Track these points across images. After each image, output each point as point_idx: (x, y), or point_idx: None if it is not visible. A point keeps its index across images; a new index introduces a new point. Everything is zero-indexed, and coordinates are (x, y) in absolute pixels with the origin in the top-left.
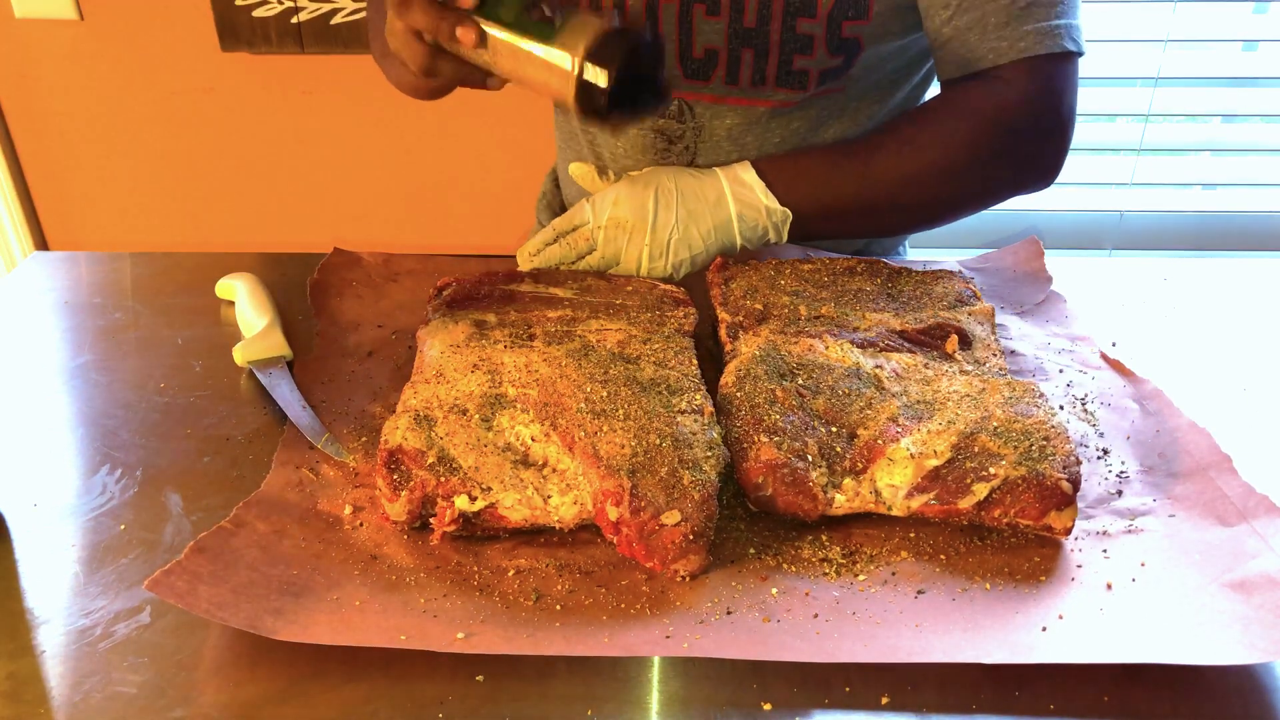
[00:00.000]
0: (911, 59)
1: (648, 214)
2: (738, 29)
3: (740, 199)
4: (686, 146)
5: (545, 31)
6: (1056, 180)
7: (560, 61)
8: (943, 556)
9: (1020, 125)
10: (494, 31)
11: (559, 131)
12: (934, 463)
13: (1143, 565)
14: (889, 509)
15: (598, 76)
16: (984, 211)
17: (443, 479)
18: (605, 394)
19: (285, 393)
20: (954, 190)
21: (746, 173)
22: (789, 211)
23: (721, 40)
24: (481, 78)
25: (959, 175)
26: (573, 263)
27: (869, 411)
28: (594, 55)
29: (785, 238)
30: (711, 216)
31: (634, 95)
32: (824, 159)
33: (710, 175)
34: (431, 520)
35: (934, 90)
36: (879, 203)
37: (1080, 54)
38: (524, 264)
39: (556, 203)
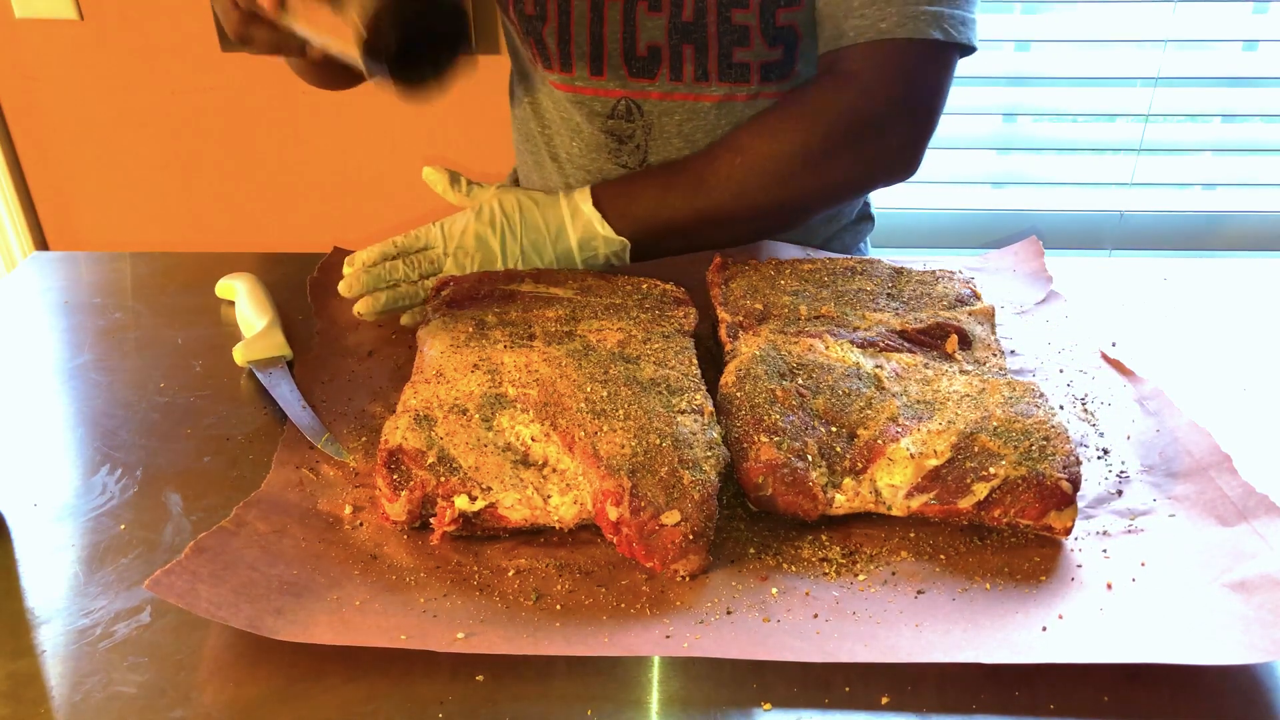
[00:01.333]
0: None
1: (495, 248)
2: (677, 24)
3: (579, 229)
4: (638, 145)
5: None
6: (918, 172)
7: (344, 21)
8: (943, 556)
9: (866, 116)
10: (299, 4)
11: (516, 132)
12: (934, 462)
13: (1143, 565)
14: (889, 509)
15: (381, 36)
16: (984, 211)
17: (443, 479)
18: (605, 394)
19: (285, 393)
20: (791, 194)
21: (585, 203)
22: (626, 241)
23: (663, 36)
24: (299, 46)
25: (793, 179)
26: (414, 281)
27: (869, 411)
28: (377, 14)
29: (627, 260)
30: (553, 247)
31: (433, 57)
32: (658, 182)
33: (553, 205)
34: (431, 520)
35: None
36: (717, 216)
37: (957, 44)
38: (350, 275)
39: None
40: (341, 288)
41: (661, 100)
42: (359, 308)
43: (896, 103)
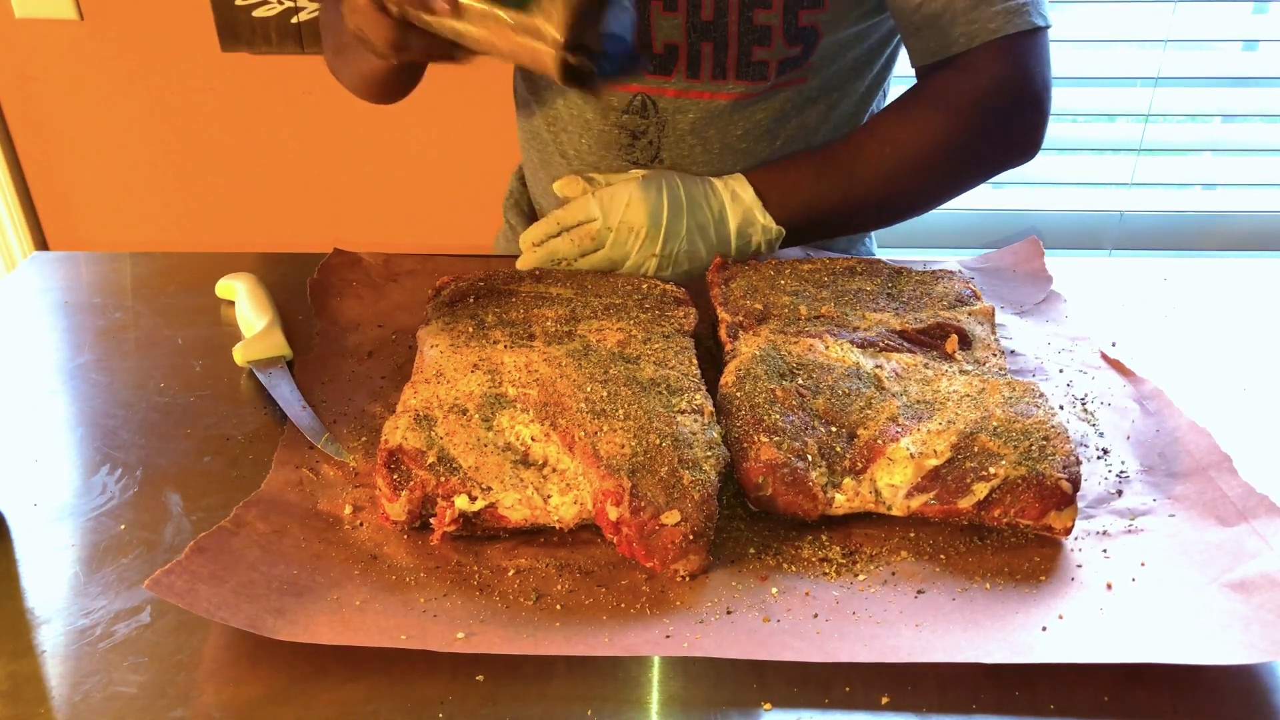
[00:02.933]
0: (872, 46)
1: (661, 222)
2: (695, 23)
3: (739, 214)
4: (650, 141)
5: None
6: (1038, 150)
7: (541, 28)
8: (943, 556)
9: (997, 107)
10: (468, 2)
11: (522, 130)
12: (934, 462)
13: (1143, 565)
14: (889, 509)
15: (582, 41)
16: (984, 211)
17: (443, 479)
18: (605, 394)
19: (285, 393)
20: (937, 181)
21: (744, 190)
22: (782, 230)
23: (680, 35)
24: (450, 51)
25: (940, 167)
26: (574, 259)
27: (869, 411)
28: (576, 20)
29: (775, 250)
30: (715, 231)
31: (618, 50)
32: (810, 170)
33: (712, 188)
34: (431, 520)
35: (898, 76)
36: (865, 204)
37: (1048, 27)
38: (526, 252)
39: (524, 202)
40: (520, 265)
41: (677, 97)
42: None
43: (1021, 91)
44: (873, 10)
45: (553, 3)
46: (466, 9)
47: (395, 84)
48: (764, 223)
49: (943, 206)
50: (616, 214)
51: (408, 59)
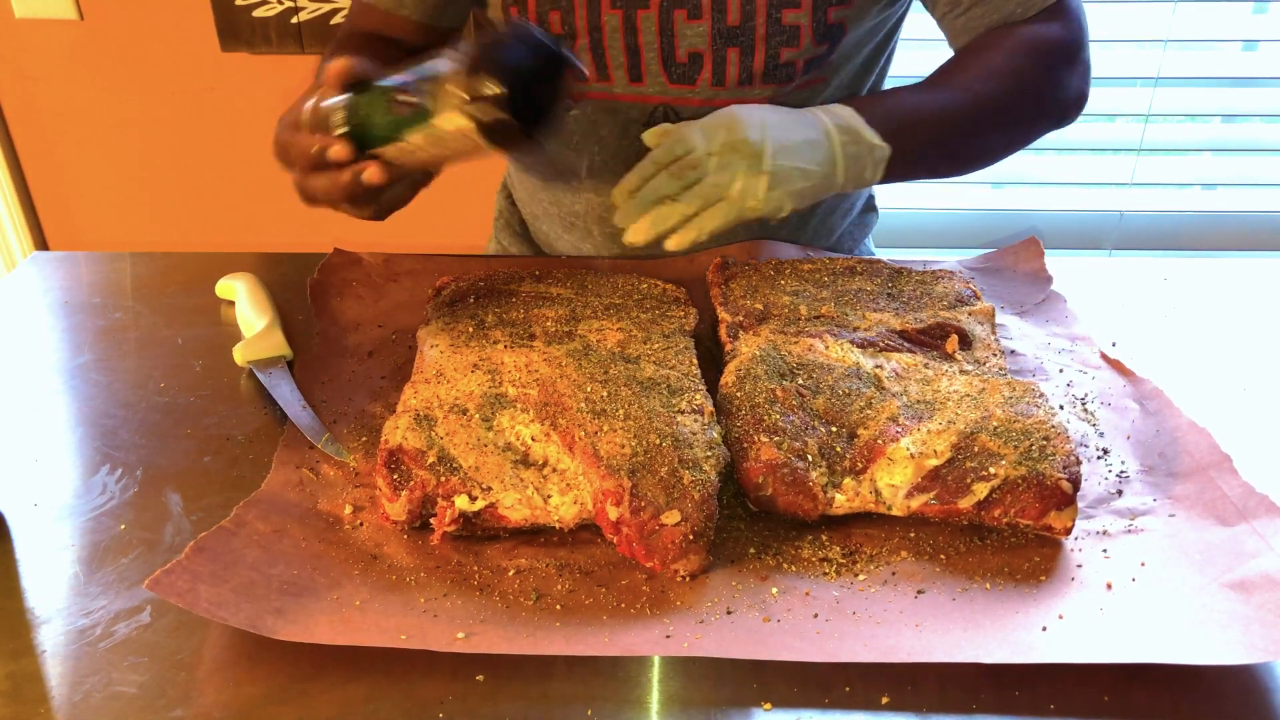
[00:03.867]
0: (879, 41)
1: (766, 139)
2: (721, 29)
3: (845, 134)
4: None
5: (422, 112)
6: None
7: (453, 126)
8: (943, 556)
9: (1060, 54)
10: (387, 149)
11: None
12: (934, 462)
13: (1143, 565)
14: (889, 509)
15: (492, 114)
16: (984, 211)
17: (443, 479)
18: (605, 394)
19: (285, 393)
20: (1025, 96)
21: (844, 111)
22: (888, 147)
23: (705, 43)
24: (426, 176)
25: (1030, 79)
26: (677, 195)
27: (869, 411)
28: (476, 99)
29: (880, 177)
30: (821, 150)
31: (543, 98)
32: (907, 90)
33: (809, 112)
34: (431, 520)
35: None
36: (964, 121)
37: None
38: (621, 204)
39: (516, 220)
40: (618, 220)
41: (702, 106)
42: (630, 238)
43: (1079, 48)
44: (891, 0)
45: (448, 94)
46: (395, 159)
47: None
48: (870, 140)
49: (933, 207)
50: (718, 137)
51: (394, 209)
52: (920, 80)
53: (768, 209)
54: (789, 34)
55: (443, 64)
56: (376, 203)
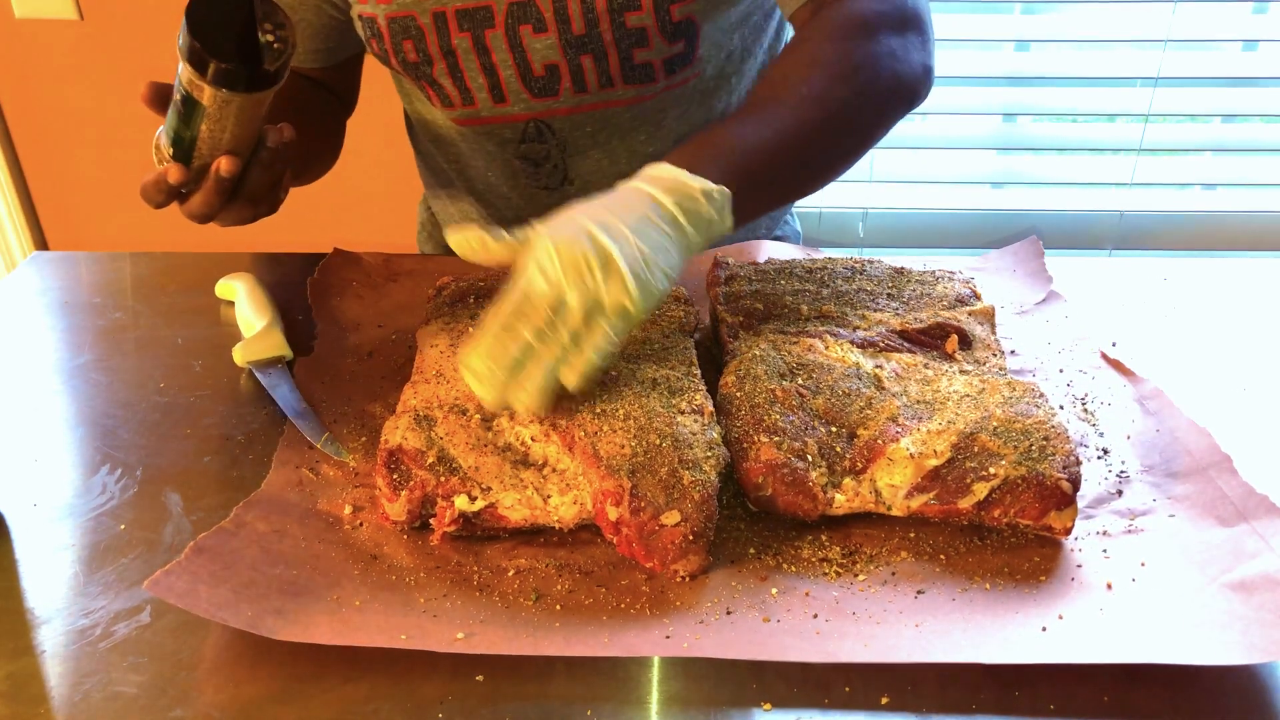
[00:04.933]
0: (755, 23)
1: (605, 242)
2: (569, 39)
3: (676, 195)
4: (555, 165)
5: (187, 99)
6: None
7: (200, 84)
8: (943, 556)
9: (881, 25)
10: (202, 147)
11: (425, 171)
12: (934, 462)
13: (1143, 565)
14: (889, 509)
15: (211, 57)
16: (984, 211)
17: (443, 479)
18: (605, 394)
19: (285, 393)
20: (852, 91)
21: (663, 170)
22: (726, 189)
23: (558, 54)
24: (273, 156)
25: (853, 76)
26: (541, 350)
27: (869, 411)
28: (194, 51)
29: (730, 223)
30: (658, 224)
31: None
32: (727, 124)
33: (621, 190)
34: (431, 520)
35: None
36: (799, 136)
37: None
38: (482, 389)
39: (438, 233)
40: (490, 406)
41: (570, 115)
42: (520, 405)
43: (903, 12)
44: None
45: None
46: (204, 141)
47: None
48: (701, 187)
49: (933, 207)
50: (553, 267)
51: (241, 218)
52: (742, 103)
53: (643, 310)
54: (636, 36)
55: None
56: (244, 199)
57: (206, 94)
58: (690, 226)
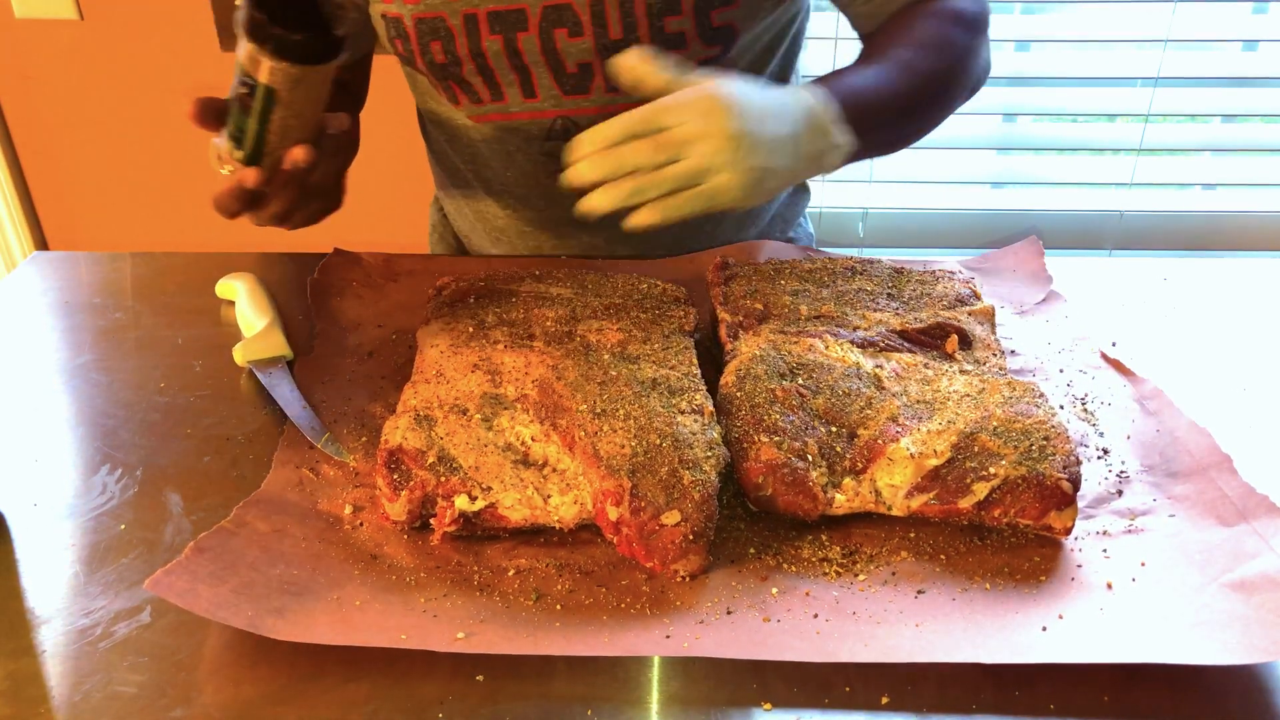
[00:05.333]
0: (780, 28)
1: (746, 133)
2: (605, 43)
3: (814, 129)
4: None
5: (256, 91)
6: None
7: (268, 62)
8: (943, 556)
9: (978, 24)
10: (271, 123)
11: (437, 165)
12: (934, 462)
13: (1143, 565)
14: (889, 509)
15: (278, 27)
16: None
17: (443, 479)
18: (605, 394)
19: (285, 393)
20: (950, 87)
21: (819, 101)
22: (852, 142)
23: (592, 55)
24: (336, 145)
25: (955, 67)
26: (646, 169)
27: (869, 411)
28: (259, 26)
29: (834, 169)
30: (793, 145)
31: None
32: (859, 76)
33: (786, 101)
34: (431, 520)
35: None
36: (906, 108)
37: None
38: (583, 158)
39: (450, 234)
40: (573, 175)
41: (600, 113)
42: (597, 200)
43: (984, 18)
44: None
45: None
46: (277, 128)
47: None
48: (837, 139)
49: (943, 205)
50: (704, 124)
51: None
52: (859, 58)
53: (739, 205)
54: (674, 40)
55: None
56: (315, 193)
57: (275, 73)
58: (806, 167)
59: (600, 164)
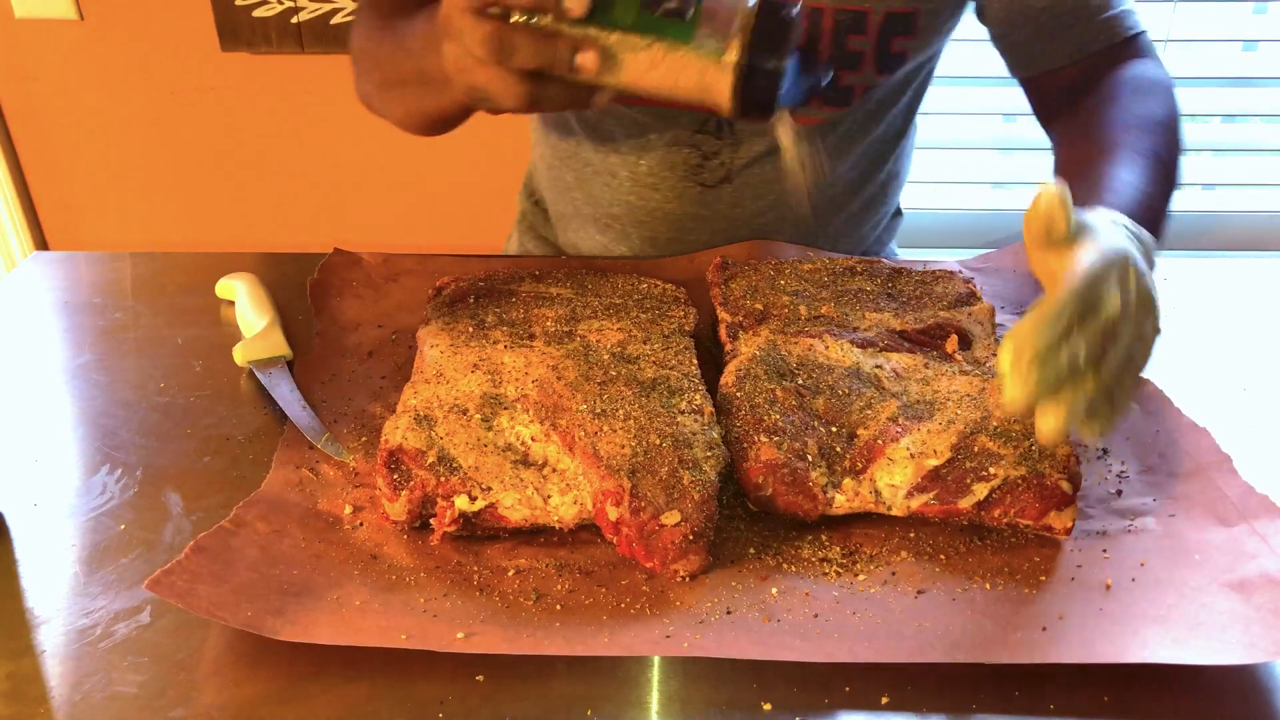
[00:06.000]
0: (926, 62)
1: (1154, 286)
2: None
3: (1145, 246)
4: (722, 162)
5: (679, 27)
6: None
7: (710, 56)
8: (943, 556)
9: (1177, 98)
10: (617, 42)
11: (549, 146)
12: (934, 462)
13: (1143, 565)
14: (889, 509)
15: (765, 62)
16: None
17: (443, 479)
18: (605, 394)
19: (285, 393)
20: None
21: (1118, 216)
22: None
23: None
24: (588, 96)
25: (1182, 150)
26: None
27: (869, 411)
28: (756, 39)
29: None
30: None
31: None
32: (1135, 181)
33: (1122, 234)
34: (431, 520)
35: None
36: (1169, 199)
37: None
38: (1020, 374)
39: (540, 221)
40: (1011, 392)
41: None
42: (1048, 436)
43: (1170, 80)
44: (949, 32)
45: (721, 21)
46: (615, 53)
47: (460, 120)
48: (1154, 248)
49: (933, 207)
50: (1130, 289)
51: (539, 110)
52: (1111, 150)
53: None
54: (852, 59)
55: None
56: (537, 93)
57: (716, 73)
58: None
59: (1042, 383)
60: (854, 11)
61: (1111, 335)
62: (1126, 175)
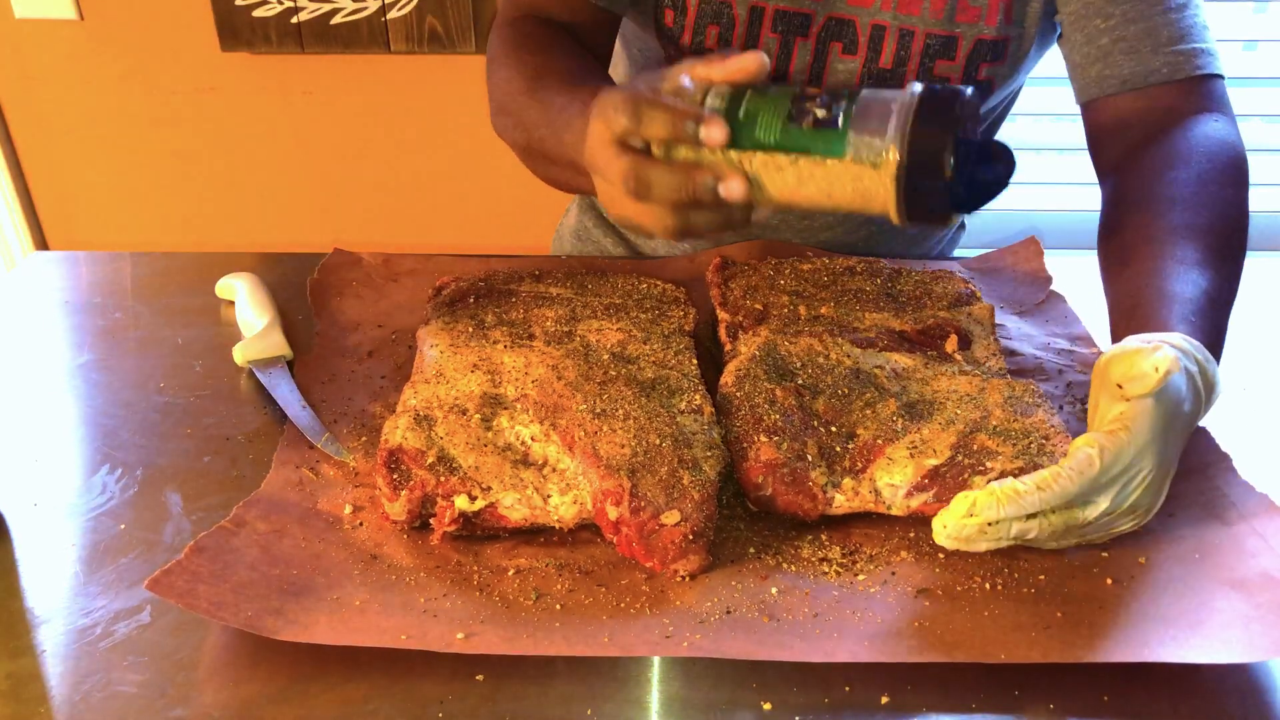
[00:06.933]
0: (1010, 92)
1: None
2: (872, 69)
3: (1202, 368)
4: None
5: (830, 137)
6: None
7: (866, 162)
8: (942, 556)
9: (1246, 168)
10: (761, 165)
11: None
12: (933, 462)
13: (1142, 564)
14: (889, 508)
15: (932, 162)
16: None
17: (443, 479)
18: (605, 394)
19: (285, 393)
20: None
21: (1185, 340)
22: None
23: (854, 80)
24: (743, 219)
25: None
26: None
27: (869, 411)
28: (916, 143)
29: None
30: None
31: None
32: (1199, 289)
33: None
34: (431, 520)
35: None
36: (1233, 291)
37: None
38: (972, 529)
39: (591, 239)
40: (939, 538)
41: None
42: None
43: (1238, 138)
44: (1031, 65)
45: (876, 126)
46: (763, 180)
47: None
48: (1211, 369)
49: None
50: (1122, 462)
51: (695, 238)
52: (1175, 252)
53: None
54: (939, 84)
55: (889, 94)
56: (688, 223)
57: (877, 178)
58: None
59: (977, 542)
60: (944, 36)
61: (1079, 529)
62: (1199, 281)
